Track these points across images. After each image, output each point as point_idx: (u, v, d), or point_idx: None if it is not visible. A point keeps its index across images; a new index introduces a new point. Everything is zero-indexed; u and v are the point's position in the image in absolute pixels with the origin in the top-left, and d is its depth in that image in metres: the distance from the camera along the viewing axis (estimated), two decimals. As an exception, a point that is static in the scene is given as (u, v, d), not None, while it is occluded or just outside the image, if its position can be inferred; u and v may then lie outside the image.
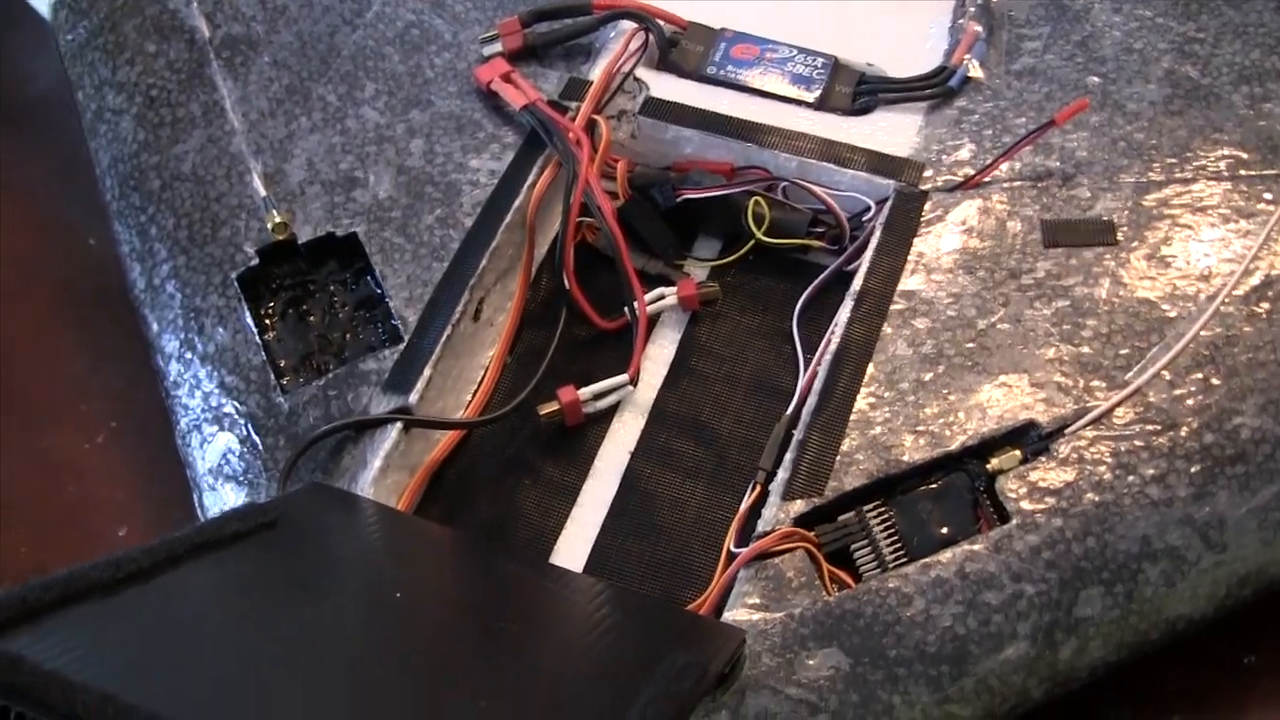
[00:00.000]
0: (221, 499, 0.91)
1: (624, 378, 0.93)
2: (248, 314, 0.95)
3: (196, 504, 0.92)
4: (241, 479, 0.90)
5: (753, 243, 0.99)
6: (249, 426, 0.91)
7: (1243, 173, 0.94)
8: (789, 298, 0.98)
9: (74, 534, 1.00)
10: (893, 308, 0.91)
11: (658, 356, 0.97)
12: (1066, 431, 0.84)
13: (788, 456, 0.86)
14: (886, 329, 0.90)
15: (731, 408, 0.94)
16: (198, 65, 1.05)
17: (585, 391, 0.93)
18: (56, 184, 1.22)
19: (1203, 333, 0.87)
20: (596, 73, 1.03)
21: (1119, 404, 0.84)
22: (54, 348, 1.10)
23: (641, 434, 0.94)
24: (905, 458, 0.84)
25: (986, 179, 0.96)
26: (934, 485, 0.84)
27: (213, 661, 0.62)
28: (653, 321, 0.98)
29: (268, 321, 0.96)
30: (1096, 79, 1.01)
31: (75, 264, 1.15)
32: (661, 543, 0.89)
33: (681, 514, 0.90)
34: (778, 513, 0.83)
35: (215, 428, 0.92)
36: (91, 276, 1.13)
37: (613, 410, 0.94)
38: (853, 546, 0.83)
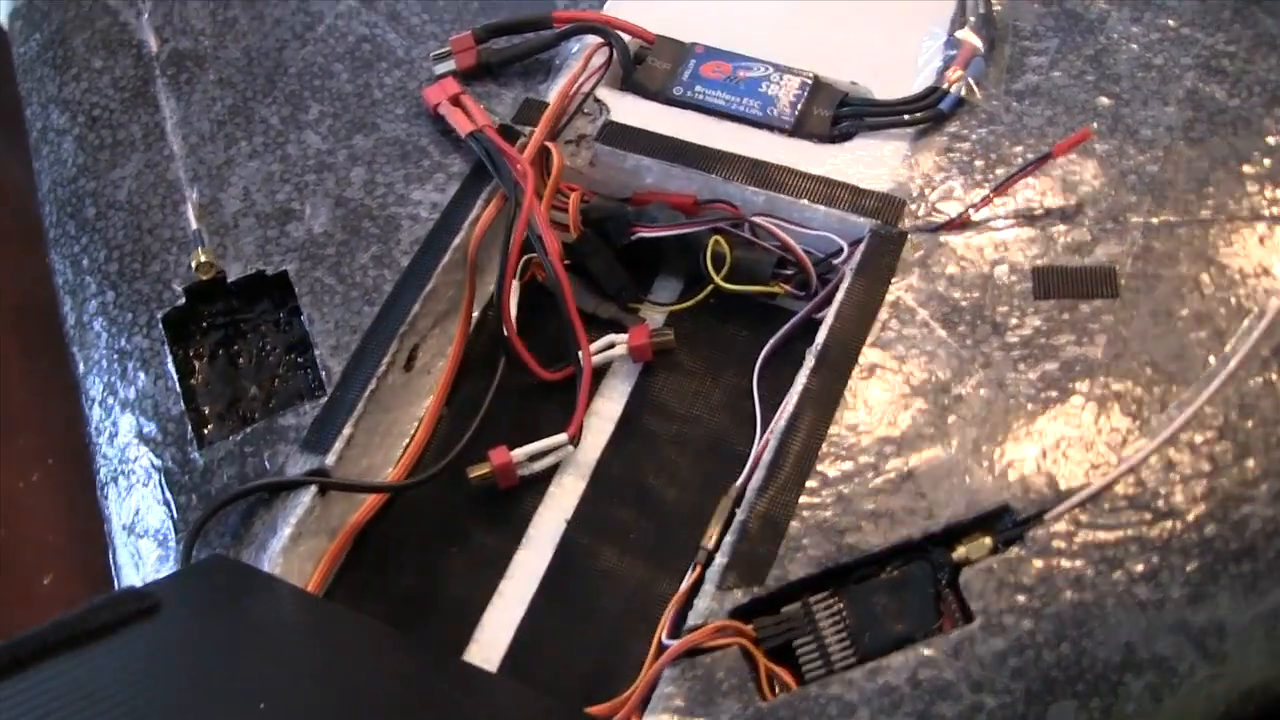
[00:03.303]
0: (135, 557, 0.85)
1: (563, 437, 0.85)
2: (170, 359, 0.88)
3: (111, 561, 0.87)
4: (154, 537, 0.84)
5: (711, 287, 0.90)
6: (162, 482, 0.85)
7: (1269, 213, 0.83)
8: (752, 348, 0.88)
9: (-4, 579, 0.95)
10: (857, 367, 0.81)
11: (604, 412, 0.88)
12: (1045, 517, 0.75)
13: (727, 540, 0.77)
14: (847, 394, 0.81)
15: (681, 474, 0.86)
16: (142, 82, 0.99)
17: (520, 453, 0.85)
18: (27, 190, 1.16)
19: (1208, 407, 0.76)
20: (554, 93, 0.94)
21: (1107, 487, 0.75)
22: (-2, 374, 1.05)
23: (581, 500, 0.85)
24: (860, 543, 0.76)
25: (974, 217, 0.86)
26: (893, 574, 0.76)
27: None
28: (601, 372, 0.89)
29: (195, 364, 0.90)
30: (1108, 100, 0.90)
31: (29, 283, 1.09)
32: (593, 625, 0.81)
33: (618, 592, 0.82)
34: (711, 603, 0.75)
35: (130, 481, 0.86)
36: (45, 299, 1.06)
37: (552, 471, 0.86)
38: (796, 642, 0.74)
